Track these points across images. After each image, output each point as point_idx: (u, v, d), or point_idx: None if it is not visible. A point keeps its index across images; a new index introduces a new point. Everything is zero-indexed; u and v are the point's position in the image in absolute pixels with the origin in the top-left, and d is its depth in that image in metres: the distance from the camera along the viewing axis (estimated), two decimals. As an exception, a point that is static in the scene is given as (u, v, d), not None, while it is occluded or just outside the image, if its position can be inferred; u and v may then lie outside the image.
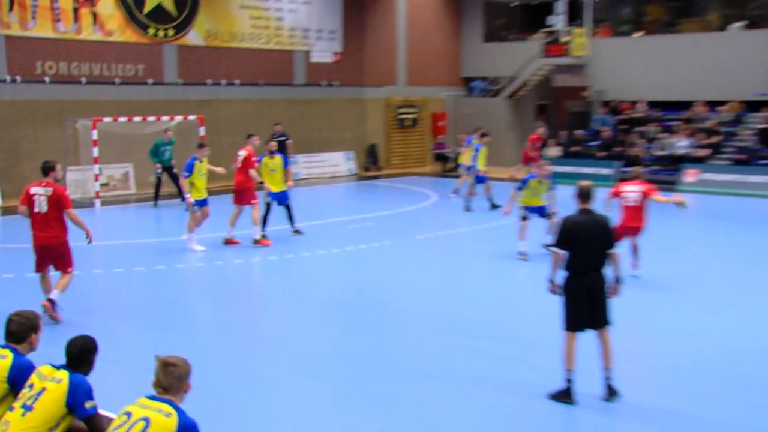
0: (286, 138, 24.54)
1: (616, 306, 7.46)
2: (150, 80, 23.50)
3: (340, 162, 28.76)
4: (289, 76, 27.23)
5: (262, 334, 9.65)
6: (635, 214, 11.80)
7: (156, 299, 11.36)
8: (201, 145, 14.79)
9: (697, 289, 11.71)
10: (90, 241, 9.84)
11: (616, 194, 12.05)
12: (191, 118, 22.95)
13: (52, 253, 9.70)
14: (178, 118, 22.84)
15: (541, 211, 13.94)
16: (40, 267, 9.85)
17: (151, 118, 22.22)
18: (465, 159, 20.81)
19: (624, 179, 12.09)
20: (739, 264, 13.52)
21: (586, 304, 7.14)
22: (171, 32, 23.95)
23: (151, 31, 23.49)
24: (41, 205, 9.53)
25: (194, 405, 4.81)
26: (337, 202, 22.35)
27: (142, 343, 9.32)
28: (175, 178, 20.42)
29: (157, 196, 20.57)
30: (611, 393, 7.23)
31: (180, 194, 20.10)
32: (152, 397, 4.49)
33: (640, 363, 8.33)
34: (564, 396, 7.19)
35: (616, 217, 11.19)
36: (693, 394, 7.53)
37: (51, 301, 9.59)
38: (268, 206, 15.23)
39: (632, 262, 12.00)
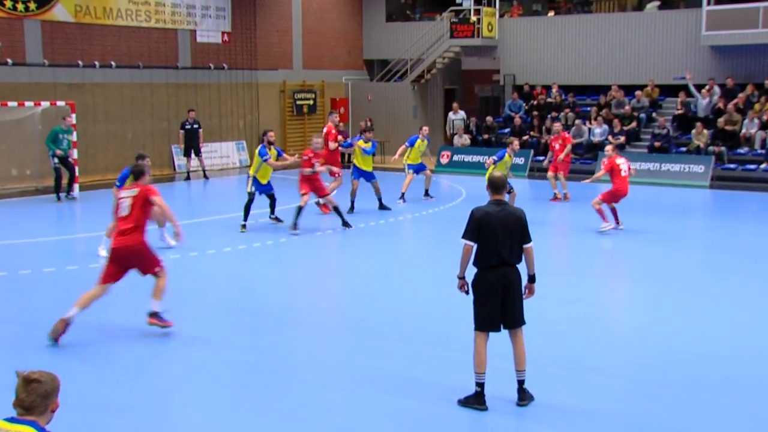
0: (198, 126, 24.58)
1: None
2: (9, 60, 22.59)
3: (231, 153, 28.40)
4: (172, 58, 26.67)
5: (144, 339, 9.42)
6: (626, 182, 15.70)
7: (18, 306, 10.97)
8: (141, 156, 14.24)
9: (604, 284, 12.07)
10: None
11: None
12: (60, 103, 22.17)
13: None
14: (45, 104, 22.05)
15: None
16: None
17: (12, 104, 21.38)
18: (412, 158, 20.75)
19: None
20: (651, 258, 13.99)
21: (497, 301, 7.18)
22: (33, 6, 23.03)
23: (8, 3, 22.50)
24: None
25: (68, 423, 4.61)
26: (228, 196, 22.01)
27: (2, 356, 8.92)
28: (71, 168, 20.41)
29: (59, 188, 20.37)
30: (524, 397, 7.34)
31: (70, 185, 20.48)
32: (12, 420, 4.25)
33: (551, 361, 8.50)
34: (475, 401, 7.24)
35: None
36: (604, 392, 7.74)
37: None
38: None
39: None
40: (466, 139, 27.65)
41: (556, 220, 17.70)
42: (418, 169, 20.64)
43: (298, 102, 30.73)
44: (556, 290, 11.19)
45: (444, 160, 27.07)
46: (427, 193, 20.85)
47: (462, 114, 28.85)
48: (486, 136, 27.67)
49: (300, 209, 15.77)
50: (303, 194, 15.88)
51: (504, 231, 7.12)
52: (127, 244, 9.33)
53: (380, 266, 13.33)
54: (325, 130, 19.17)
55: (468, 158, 26.70)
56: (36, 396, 4.25)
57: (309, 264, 13.78)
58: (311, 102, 31.10)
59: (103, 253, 14.06)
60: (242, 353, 9.01)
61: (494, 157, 17.15)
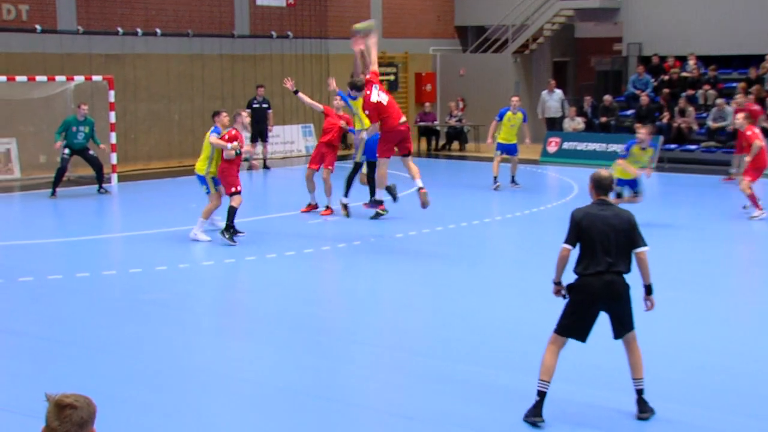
0: (268, 106, 24.66)
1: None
2: (38, 27, 23.10)
3: (297, 138, 28.54)
4: (228, 25, 26.95)
5: (191, 359, 9.52)
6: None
7: (46, 318, 11.13)
8: (216, 113, 15.16)
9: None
10: None
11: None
12: (96, 78, 22.58)
13: None
14: (79, 79, 22.47)
15: None
16: None
17: (41, 78, 21.85)
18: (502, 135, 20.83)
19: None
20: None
21: (593, 313, 7.54)
22: (67, -37, 23.56)
23: (38, -40, 23.05)
24: None
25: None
26: (290, 189, 22.11)
27: (26, 377, 9.04)
28: (93, 162, 20.34)
29: (56, 184, 20.02)
30: (645, 409, 7.63)
31: (99, 180, 20.33)
32: (42, 453, 4.21)
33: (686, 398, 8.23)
34: (532, 413, 7.49)
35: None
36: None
37: None
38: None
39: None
40: (579, 123, 27.22)
41: (696, 220, 17.24)
42: (508, 149, 20.62)
43: (376, 77, 30.69)
44: (699, 307, 10.95)
45: (552, 149, 26.72)
46: (513, 180, 20.84)
47: (559, 93, 28.19)
48: (604, 119, 27.19)
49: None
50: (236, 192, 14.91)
51: (609, 234, 7.47)
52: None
53: (466, 277, 13.24)
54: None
55: (581, 146, 26.31)
56: (71, 424, 4.23)
57: (381, 273, 13.79)
58: (392, 77, 31.03)
59: (203, 236, 14.87)
60: (301, 377, 9.00)
61: (622, 151, 16.70)
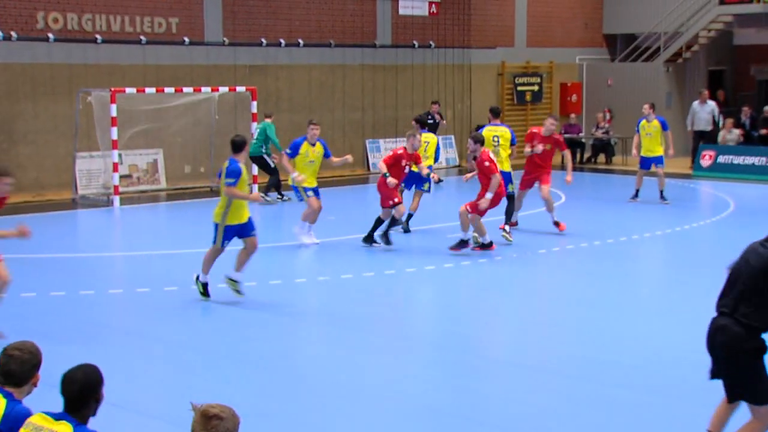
0: (437, 123, 25.04)
1: None
2: (186, 39, 23.85)
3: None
4: (370, 35, 27.24)
5: (334, 374, 9.58)
6: None
7: (190, 328, 11.44)
8: (311, 122, 16.73)
9: None
10: None
11: None
12: (240, 89, 23.17)
13: None
14: (223, 90, 23.07)
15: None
16: None
17: (187, 89, 22.53)
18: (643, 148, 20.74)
19: None
20: None
21: (713, 360, 6.78)
22: (214, -24, 24.28)
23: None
24: None
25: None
26: (433, 203, 22.16)
27: (171, 385, 9.34)
28: (269, 169, 21.36)
29: (279, 188, 21.22)
30: None
31: (267, 187, 21.26)
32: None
33: None
34: None
35: None
36: None
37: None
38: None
39: None
40: (735, 135, 26.50)
41: None
42: (653, 162, 20.41)
43: (520, 88, 30.55)
44: None
45: (706, 162, 26.09)
46: (662, 196, 20.53)
47: (711, 105, 27.20)
48: (764, 132, 26.44)
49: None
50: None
51: (741, 272, 6.60)
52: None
53: (613, 296, 13.04)
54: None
55: (738, 160, 25.59)
56: (217, 436, 4.36)
57: (526, 291, 13.77)
58: (536, 88, 30.84)
59: (309, 240, 15.74)
60: (445, 396, 9.01)
61: None
